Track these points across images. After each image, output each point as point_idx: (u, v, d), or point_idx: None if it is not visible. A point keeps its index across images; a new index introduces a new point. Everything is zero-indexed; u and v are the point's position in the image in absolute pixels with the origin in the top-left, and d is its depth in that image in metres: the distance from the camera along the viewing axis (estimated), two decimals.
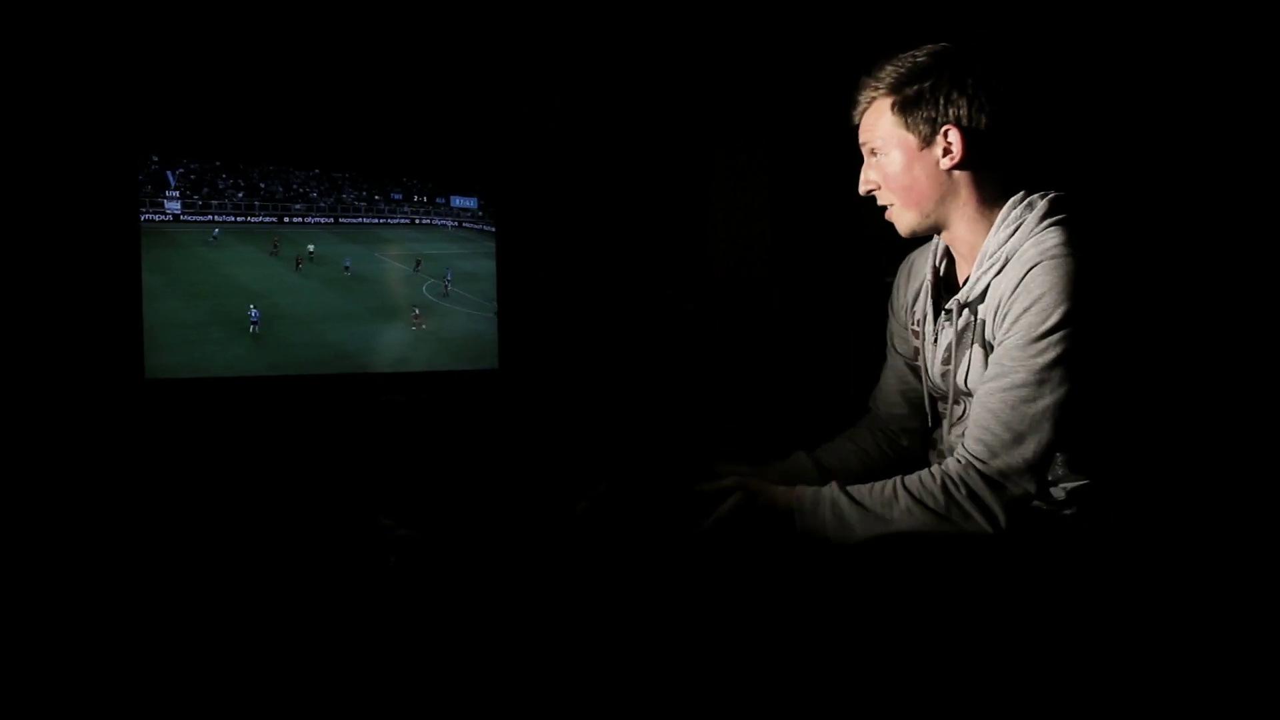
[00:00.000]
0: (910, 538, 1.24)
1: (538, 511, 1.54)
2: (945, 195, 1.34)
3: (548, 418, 2.05)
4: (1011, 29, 1.79)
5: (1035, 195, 1.31)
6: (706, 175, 2.34)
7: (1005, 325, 1.26)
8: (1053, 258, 1.21)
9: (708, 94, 2.33)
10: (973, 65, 1.30)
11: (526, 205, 2.33)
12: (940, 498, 1.23)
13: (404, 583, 1.38)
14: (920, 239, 1.44)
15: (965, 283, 1.35)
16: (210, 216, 2.06)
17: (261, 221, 2.13)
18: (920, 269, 1.52)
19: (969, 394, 1.36)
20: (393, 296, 2.21)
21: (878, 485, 1.28)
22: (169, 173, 1.96)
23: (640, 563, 1.33)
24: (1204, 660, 1.30)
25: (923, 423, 1.55)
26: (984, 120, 1.29)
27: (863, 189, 1.40)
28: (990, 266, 1.30)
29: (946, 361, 1.40)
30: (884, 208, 1.40)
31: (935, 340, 1.42)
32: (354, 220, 2.24)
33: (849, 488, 1.28)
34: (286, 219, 2.15)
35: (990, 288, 1.31)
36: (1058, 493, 1.37)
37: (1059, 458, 1.34)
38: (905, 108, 1.31)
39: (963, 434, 1.32)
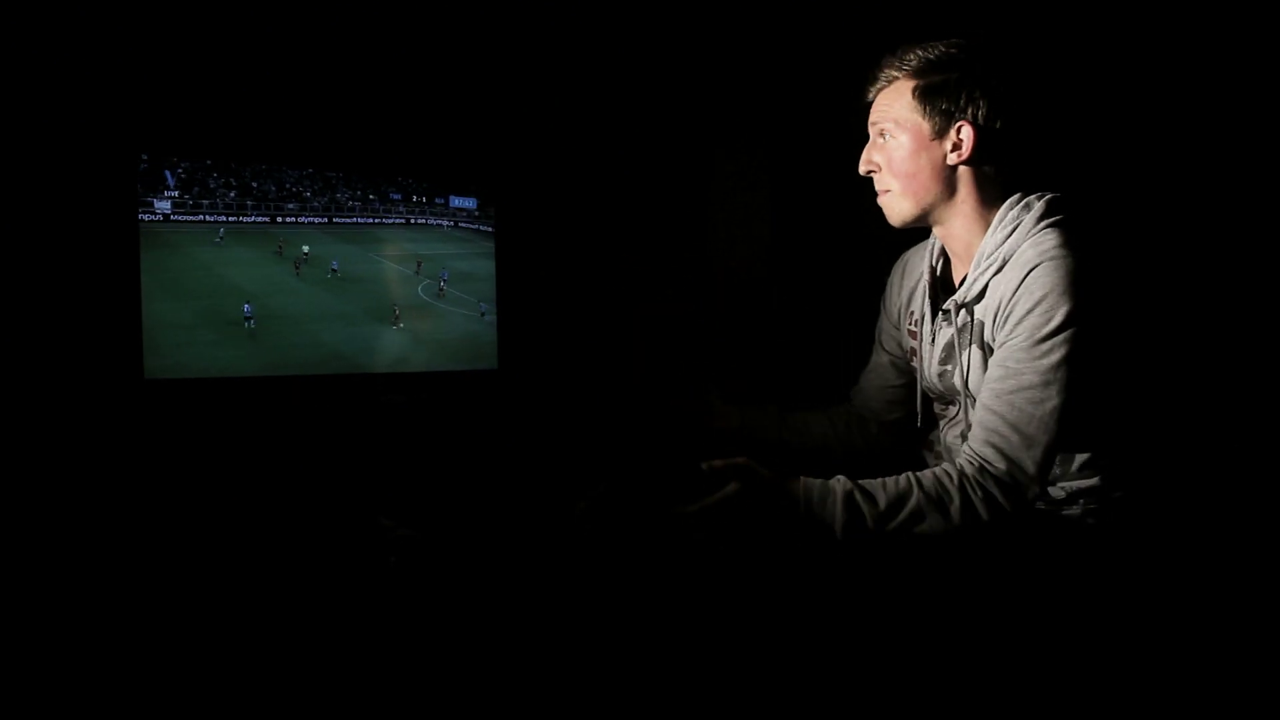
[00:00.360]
0: (918, 537, 1.26)
1: (537, 511, 1.55)
2: (945, 190, 1.36)
3: (547, 418, 2.06)
4: (1008, 30, 1.82)
5: (1032, 196, 1.34)
6: (706, 175, 2.36)
7: (1008, 327, 1.28)
8: (1052, 259, 1.24)
9: (708, 93, 2.34)
10: (999, 65, 1.32)
11: (526, 205, 2.33)
12: (958, 499, 1.24)
13: (404, 583, 1.39)
14: (913, 237, 1.46)
15: (962, 283, 1.37)
16: (201, 216, 2.06)
17: (254, 221, 2.13)
18: (915, 268, 1.53)
19: (967, 395, 1.37)
20: (388, 297, 2.21)
21: (890, 482, 1.28)
22: (168, 173, 1.97)
23: (640, 563, 1.34)
24: (1208, 658, 1.32)
25: (899, 418, 1.57)
26: (999, 122, 1.31)
27: (863, 168, 1.41)
28: (988, 267, 1.32)
29: (944, 362, 1.41)
30: (877, 193, 1.42)
31: (933, 341, 1.44)
32: (348, 220, 2.24)
33: (860, 482, 1.29)
34: (280, 219, 2.16)
35: (989, 288, 1.33)
36: (1057, 492, 1.39)
37: (1060, 457, 1.36)
38: (926, 95, 1.32)
39: (960, 435, 1.34)
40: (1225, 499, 1.64)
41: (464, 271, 2.30)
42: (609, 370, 2.28)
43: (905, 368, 1.57)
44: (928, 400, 1.50)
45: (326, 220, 2.22)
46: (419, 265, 2.27)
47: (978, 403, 1.32)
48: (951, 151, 1.33)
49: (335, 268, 2.21)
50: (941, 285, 1.48)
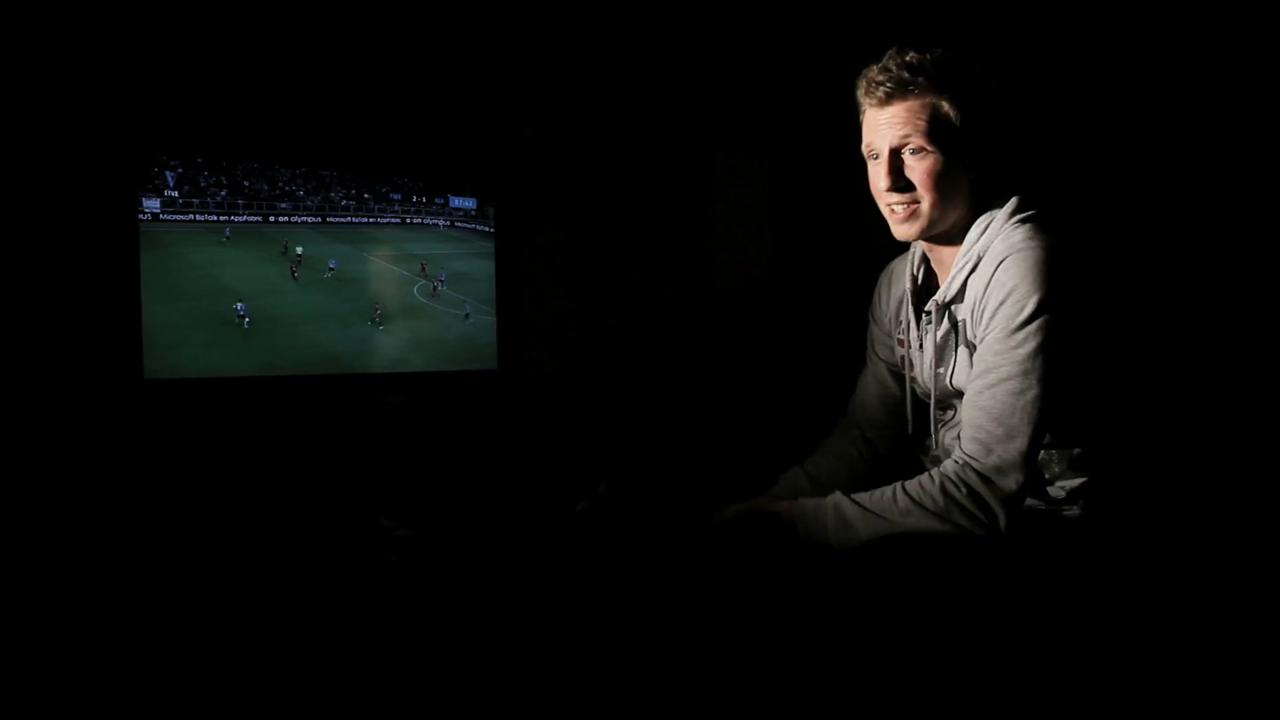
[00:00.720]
0: (911, 540, 1.27)
1: (537, 512, 1.57)
2: (965, 203, 1.35)
3: (547, 418, 2.08)
4: (1001, 33, 1.85)
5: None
6: (706, 175, 2.39)
7: (984, 322, 1.29)
8: (1020, 250, 1.25)
9: (708, 94, 2.38)
10: (1014, 82, 1.34)
11: (526, 205, 2.36)
12: (940, 499, 1.25)
13: (404, 583, 1.41)
14: (901, 246, 1.47)
15: (942, 285, 1.39)
16: (191, 216, 2.06)
17: (246, 221, 2.13)
18: (900, 275, 1.54)
19: (960, 396, 1.40)
20: (384, 298, 2.22)
21: (878, 491, 1.30)
22: (168, 173, 1.98)
23: (639, 564, 1.36)
24: (1205, 658, 1.34)
25: (901, 429, 1.58)
26: (1010, 138, 1.33)
27: (890, 185, 1.33)
28: (964, 265, 1.34)
29: (937, 365, 1.42)
30: (890, 207, 1.37)
31: (921, 346, 1.46)
32: (342, 220, 2.25)
33: (851, 495, 1.31)
34: (272, 218, 2.16)
35: (966, 287, 1.34)
36: (1056, 491, 1.40)
37: (1055, 455, 1.38)
38: (962, 106, 1.29)
39: (957, 437, 1.36)
40: (1223, 498, 1.66)
41: (461, 272, 2.31)
42: (609, 370, 2.30)
43: (901, 374, 1.58)
44: (923, 406, 1.51)
45: (320, 220, 2.22)
46: (423, 267, 2.29)
47: (964, 400, 1.33)
48: (973, 168, 1.33)
49: (333, 266, 2.22)
50: (925, 291, 1.48)
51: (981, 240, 1.32)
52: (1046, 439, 1.35)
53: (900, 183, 1.33)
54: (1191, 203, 1.85)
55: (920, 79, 1.29)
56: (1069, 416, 1.35)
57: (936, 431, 1.49)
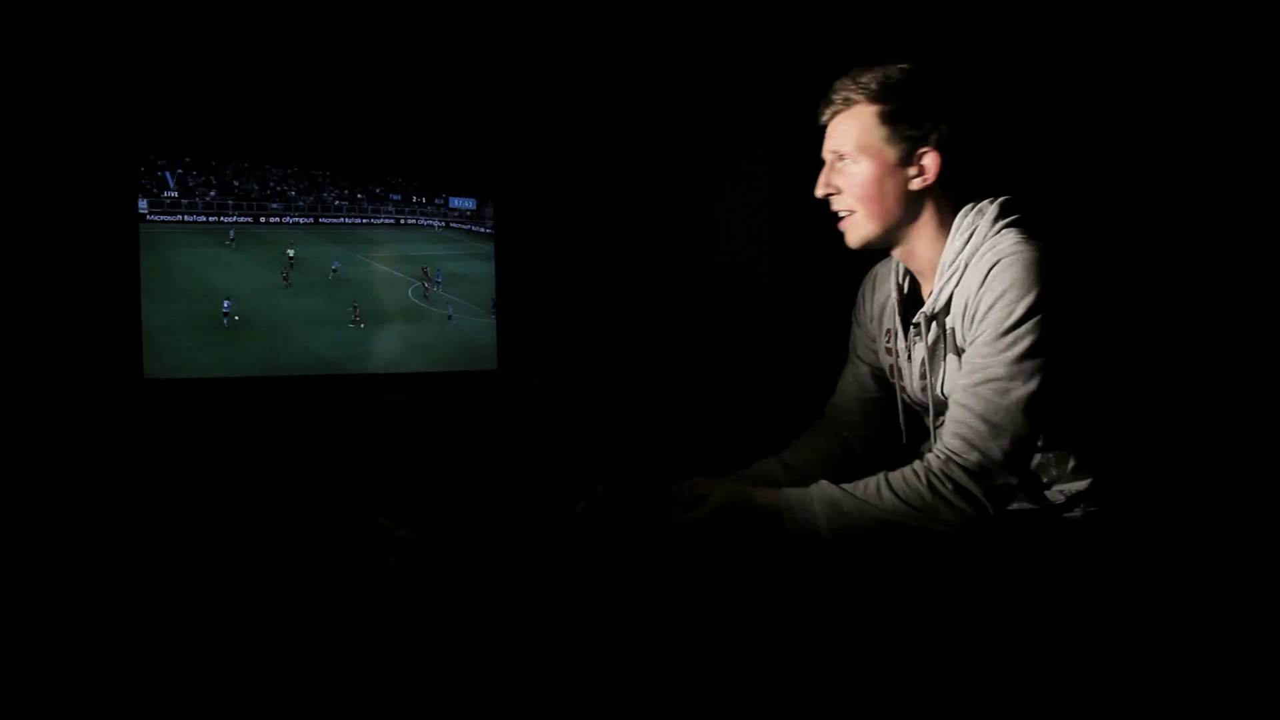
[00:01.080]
0: (900, 539, 1.28)
1: (536, 512, 1.58)
2: (909, 213, 1.38)
3: (547, 418, 2.09)
4: (967, 48, 1.87)
5: (985, 201, 1.37)
6: (707, 176, 2.42)
7: (974, 326, 1.30)
8: (1010, 254, 1.26)
9: (708, 95, 2.40)
10: (965, 93, 1.35)
11: (526, 206, 2.38)
12: (927, 495, 1.26)
13: (403, 583, 1.41)
14: (877, 252, 1.49)
15: (929, 296, 1.39)
16: (180, 216, 2.06)
17: (236, 221, 2.13)
18: (884, 282, 1.55)
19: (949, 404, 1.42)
20: (381, 300, 2.23)
21: (861, 484, 1.31)
22: (168, 173, 1.98)
23: (639, 564, 1.37)
24: (1205, 660, 1.36)
25: (878, 431, 1.60)
26: (961, 149, 1.34)
27: (821, 191, 1.42)
28: (951, 276, 1.35)
29: (924, 375, 1.44)
30: (837, 215, 1.43)
31: (909, 356, 1.47)
32: (335, 220, 2.25)
33: (840, 485, 1.32)
34: (263, 219, 2.16)
35: (954, 296, 1.35)
36: (1055, 495, 1.42)
37: (1053, 457, 1.41)
38: (890, 120, 1.34)
39: None
40: (1226, 502, 1.69)
41: (456, 273, 2.33)
42: (609, 370, 2.32)
43: (884, 378, 1.60)
44: (914, 416, 1.52)
45: (313, 220, 2.23)
46: (425, 270, 2.30)
47: (950, 401, 1.34)
48: (916, 177, 1.35)
49: (336, 267, 2.22)
50: (910, 300, 1.50)
51: (967, 249, 1.34)
52: (1047, 440, 1.37)
53: (828, 189, 1.40)
54: (1189, 204, 1.87)
55: (859, 94, 1.35)
56: (1065, 419, 1.37)
57: (921, 440, 1.51)
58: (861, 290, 1.62)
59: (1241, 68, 1.76)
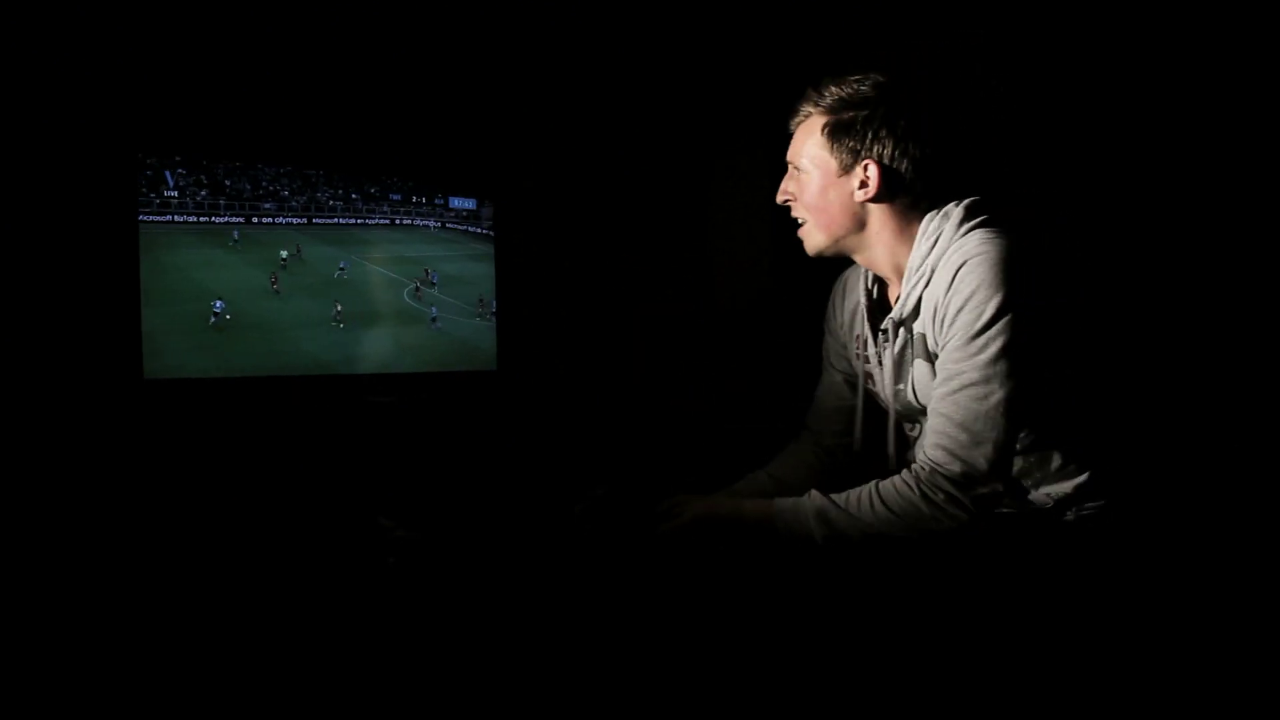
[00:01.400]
0: (892, 543, 1.30)
1: (536, 513, 1.59)
2: (855, 224, 1.41)
3: (546, 419, 2.09)
4: (998, 34, 1.89)
5: (950, 205, 1.38)
6: (706, 176, 2.44)
7: (944, 329, 1.32)
8: (976, 255, 1.28)
9: (708, 95, 2.43)
10: (910, 106, 1.37)
11: (526, 206, 2.39)
12: (921, 505, 1.28)
13: (403, 583, 1.42)
14: (843, 259, 1.52)
15: (897, 302, 1.41)
16: (169, 217, 2.06)
17: (227, 222, 2.13)
18: (853, 288, 1.57)
19: (923, 410, 1.41)
20: (374, 302, 2.24)
21: (854, 496, 1.33)
22: (167, 173, 1.99)
23: (638, 565, 1.38)
24: (1196, 661, 1.37)
25: (856, 440, 1.62)
26: (905, 163, 1.36)
27: (779, 198, 1.47)
28: (918, 280, 1.37)
29: (897, 381, 1.46)
30: (797, 224, 1.47)
31: (880, 362, 1.48)
32: (329, 220, 2.25)
33: (830, 496, 1.34)
34: (255, 219, 2.16)
35: (922, 300, 1.37)
36: (1042, 498, 1.43)
37: (1035, 459, 1.42)
38: (834, 132, 1.38)
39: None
40: (1216, 504, 1.70)
41: (452, 274, 2.34)
42: (609, 370, 2.33)
43: (855, 383, 1.61)
44: (882, 421, 1.54)
45: (306, 221, 2.23)
46: (426, 271, 2.31)
47: (928, 409, 1.36)
48: (859, 189, 1.37)
49: (344, 267, 2.23)
50: (879, 306, 1.52)
51: (933, 254, 1.35)
52: (1028, 442, 1.39)
53: (784, 196, 1.46)
54: (1170, 203, 1.89)
55: (812, 106, 1.40)
56: (1048, 420, 1.39)
57: (897, 446, 1.53)
58: (831, 297, 1.65)
59: (1241, 67, 1.79)
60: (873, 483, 1.33)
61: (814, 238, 1.45)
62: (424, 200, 2.32)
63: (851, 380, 1.62)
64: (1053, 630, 1.31)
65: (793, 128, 1.46)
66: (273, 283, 2.14)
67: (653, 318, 2.36)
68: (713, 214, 2.37)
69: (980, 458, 1.27)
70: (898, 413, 1.49)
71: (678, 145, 2.40)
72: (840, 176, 1.39)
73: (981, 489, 1.29)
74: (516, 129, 2.37)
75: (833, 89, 1.39)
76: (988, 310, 1.26)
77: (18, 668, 1.28)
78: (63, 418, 1.80)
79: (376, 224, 2.29)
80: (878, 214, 1.40)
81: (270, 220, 2.17)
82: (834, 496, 1.34)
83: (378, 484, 1.75)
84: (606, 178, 2.40)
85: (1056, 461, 1.41)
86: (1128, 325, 1.93)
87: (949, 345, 1.31)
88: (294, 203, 2.19)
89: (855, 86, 1.38)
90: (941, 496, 1.28)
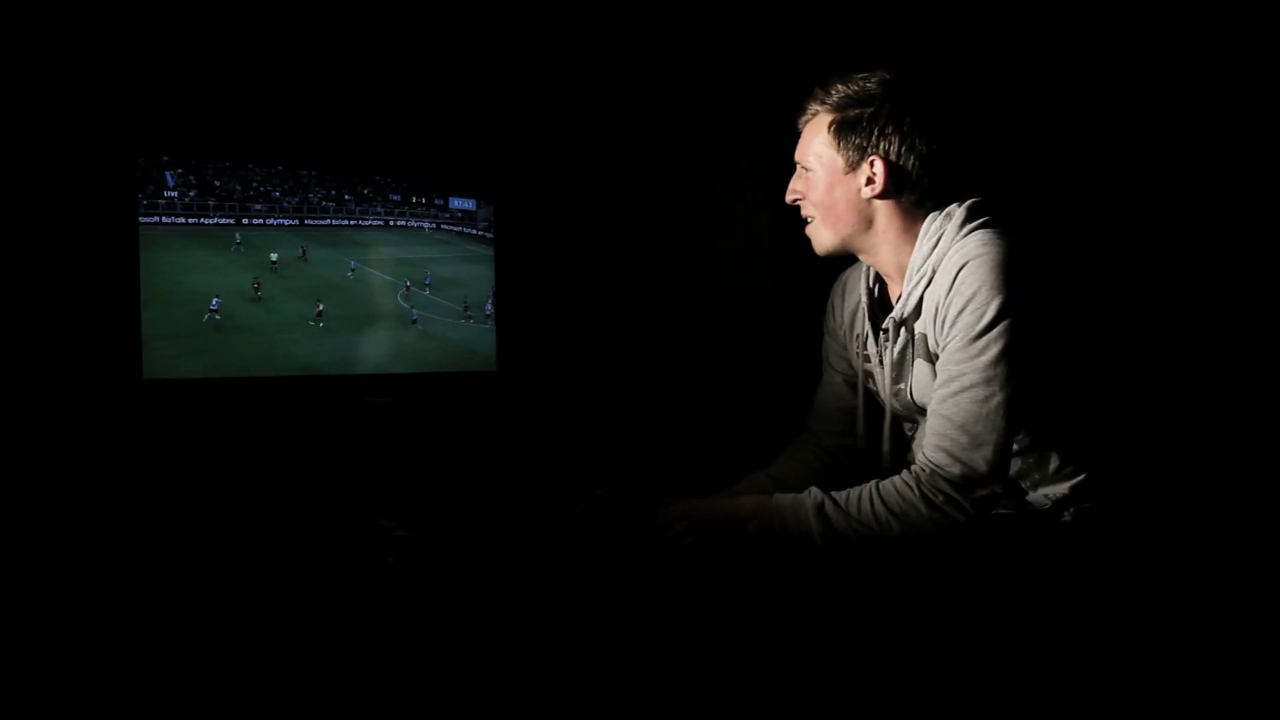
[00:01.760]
0: (895, 543, 1.32)
1: (536, 514, 1.60)
2: (862, 222, 1.44)
3: (546, 419, 2.10)
4: (953, 53, 1.92)
5: (952, 205, 1.41)
6: (707, 175, 2.46)
7: (945, 330, 1.34)
8: (978, 257, 1.30)
9: (708, 94, 2.45)
10: (916, 102, 1.40)
11: (526, 206, 2.40)
12: (921, 506, 1.31)
13: (402, 584, 1.43)
14: (846, 258, 1.54)
15: (898, 301, 1.44)
16: (157, 218, 2.05)
17: (217, 223, 2.12)
18: (854, 288, 1.60)
19: (922, 410, 1.44)
20: (365, 303, 2.24)
21: (854, 496, 1.35)
22: (167, 173, 1.99)
23: (638, 565, 1.39)
24: (1194, 662, 1.38)
25: (858, 439, 1.64)
26: (912, 159, 1.39)
27: (788, 197, 1.50)
28: (919, 280, 1.39)
29: (897, 381, 1.48)
30: (805, 221, 1.51)
31: (881, 362, 1.51)
32: (321, 222, 2.25)
33: (829, 494, 1.36)
34: (245, 220, 2.16)
35: (924, 300, 1.39)
36: (1040, 500, 1.45)
37: (1033, 460, 1.44)
38: (840, 129, 1.41)
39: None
40: (1213, 504, 1.72)
41: (446, 276, 2.34)
42: (609, 371, 2.34)
43: (855, 384, 1.63)
44: (896, 421, 1.56)
45: (298, 222, 2.22)
46: (427, 274, 2.31)
47: (928, 409, 1.38)
48: (865, 185, 1.40)
49: (354, 267, 2.24)
50: (880, 305, 1.54)
51: (934, 254, 1.38)
52: (1026, 443, 1.41)
53: (793, 195, 1.49)
54: (1170, 203, 1.91)
55: (820, 104, 1.44)
56: (1047, 421, 1.41)
57: (895, 445, 1.54)
58: (830, 298, 1.67)
59: (1241, 67, 1.82)
60: (872, 483, 1.35)
61: (822, 236, 1.48)
62: (423, 201, 2.32)
63: (851, 381, 1.64)
64: (1050, 630, 1.33)
65: (800, 126, 1.49)
66: (255, 290, 2.12)
67: (653, 318, 2.38)
68: (713, 214, 2.39)
69: (980, 460, 1.30)
70: (897, 412, 1.50)
71: (678, 145, 2.42)
72: (847, 174, 1.42)
73: (981, 491, 1.31)
74: (516, 129, 2.39)
75: (839, 87, 1.42)
76: (989, 312, 1.28)
77: (17, 668, 1.28)
78: (62, 418, 1.80)
79: (370, 225, 2.28)
80: (884, 211, 1.43)
81: (261, 222, 2.16)
82: (833, 495, 1.36)
83: (377, 484, 1.76)
84: (606, 178, 2.42)
85: (1054, 463, 1.44)
86: (1126, 326, 1.95)
87: (949, 347, 1.33)
88: (285, 204, 2.19)
89: (861, 84, 1.40)
90: (941, 498, 1.30)
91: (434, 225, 2.34)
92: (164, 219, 2.04)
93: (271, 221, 2.17)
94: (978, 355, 1.29)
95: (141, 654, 1.30)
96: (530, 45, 2.33)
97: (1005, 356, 1.28)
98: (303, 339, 2.16)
